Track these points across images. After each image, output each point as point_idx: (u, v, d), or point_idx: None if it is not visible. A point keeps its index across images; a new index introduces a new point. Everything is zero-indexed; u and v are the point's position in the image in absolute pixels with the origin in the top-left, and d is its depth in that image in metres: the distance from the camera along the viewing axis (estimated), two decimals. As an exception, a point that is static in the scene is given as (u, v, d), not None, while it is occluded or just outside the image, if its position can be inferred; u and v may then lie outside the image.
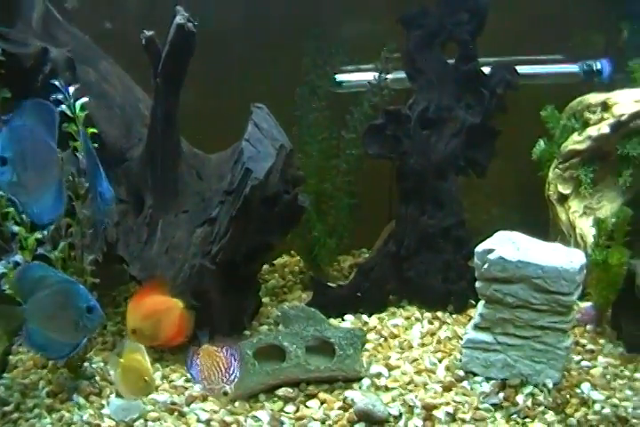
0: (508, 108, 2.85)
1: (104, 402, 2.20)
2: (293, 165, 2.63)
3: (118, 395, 2.22)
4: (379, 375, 2.29)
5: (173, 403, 2.18)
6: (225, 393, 1.85)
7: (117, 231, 2.56)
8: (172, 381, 2.30)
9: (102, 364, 2.37)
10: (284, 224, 2.60)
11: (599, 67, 3.09)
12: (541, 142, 2.93)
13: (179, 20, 2.41)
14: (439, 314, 2.70)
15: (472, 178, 2.89)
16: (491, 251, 2.25)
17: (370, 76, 2.97)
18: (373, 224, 3.00)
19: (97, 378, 2.30)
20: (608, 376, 2.29)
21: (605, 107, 2.83)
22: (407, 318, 2.68)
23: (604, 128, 2.77)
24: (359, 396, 2.16)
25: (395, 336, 2.55)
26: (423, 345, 2.49)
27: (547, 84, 3.09)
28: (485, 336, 2.28)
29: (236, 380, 1.85)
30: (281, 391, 2.20)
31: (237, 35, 3.09)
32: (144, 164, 2.58)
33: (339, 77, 3.05)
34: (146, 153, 2.58)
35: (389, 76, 2.95)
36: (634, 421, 2.07)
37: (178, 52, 2.43)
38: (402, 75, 2.95)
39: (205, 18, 2.89)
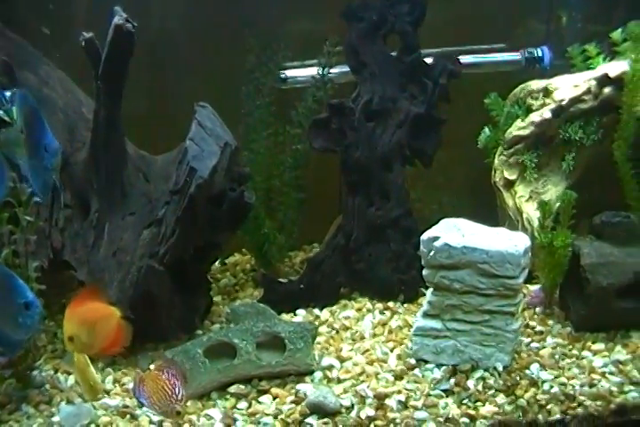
0: (453, 97, 2.87)
1: (54, 410, 2.15)
2: (239, 162, 2.62)
3: (69, 401, 2.20)
4: (330, 368, 2.29)
5: (125, 406, 2.15)
6: (178, 413, 1.88)
7: (63, 236, 2.53)
8: (124, 384, 2.27)
9: (52, 372, 2.33)
10: (231, 222, 2.59)
11: (540, 54, 3.12)
12: (486, 130, 2.96)
13: (117, 20, 2.38)
14: (390, 304, 2.71)
15: (420, 168, 2.90)
16: (436, 238, 2.26)
17: (314, 71, 2.97)
18: (325, 219, 2.99)
19: (47, 386, 2.25)
20: (556, 356, 2.32)
21: (547, 92, 2.86)
22: (359, 310, 2.68)
23: (546, 113, 2.81)
24: (311, 389, 2.16)
25: (346, 328, 2.55)
26: (375, 336, 2.49)
27: (490, 73, 3.12)
28: (435, 323, 2.28)
29: (183, 399, 1.88)
30: (233, 388, 2.18)
31: (179, 33, 3.07)
32: (88, 167, 2.55)
33: (283, 73, 3.04)
34: (90, 156, 2.54)
35: (333, 70, 2.96)
36: (581, 398, 2.10)
37: (117, 52, 2.40)
38: (345, 68, 2.96)
39: (147, 17, 2.89)
